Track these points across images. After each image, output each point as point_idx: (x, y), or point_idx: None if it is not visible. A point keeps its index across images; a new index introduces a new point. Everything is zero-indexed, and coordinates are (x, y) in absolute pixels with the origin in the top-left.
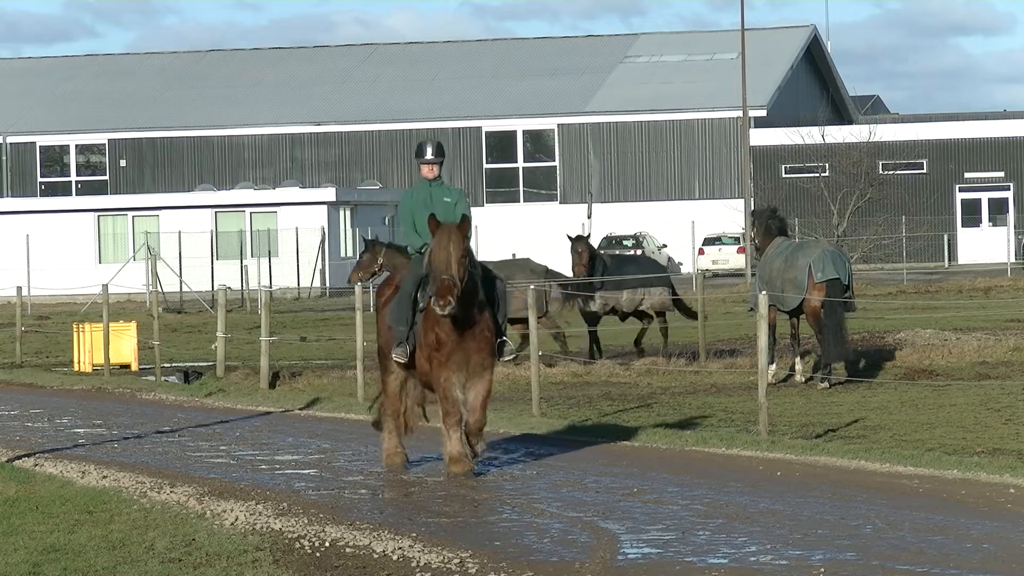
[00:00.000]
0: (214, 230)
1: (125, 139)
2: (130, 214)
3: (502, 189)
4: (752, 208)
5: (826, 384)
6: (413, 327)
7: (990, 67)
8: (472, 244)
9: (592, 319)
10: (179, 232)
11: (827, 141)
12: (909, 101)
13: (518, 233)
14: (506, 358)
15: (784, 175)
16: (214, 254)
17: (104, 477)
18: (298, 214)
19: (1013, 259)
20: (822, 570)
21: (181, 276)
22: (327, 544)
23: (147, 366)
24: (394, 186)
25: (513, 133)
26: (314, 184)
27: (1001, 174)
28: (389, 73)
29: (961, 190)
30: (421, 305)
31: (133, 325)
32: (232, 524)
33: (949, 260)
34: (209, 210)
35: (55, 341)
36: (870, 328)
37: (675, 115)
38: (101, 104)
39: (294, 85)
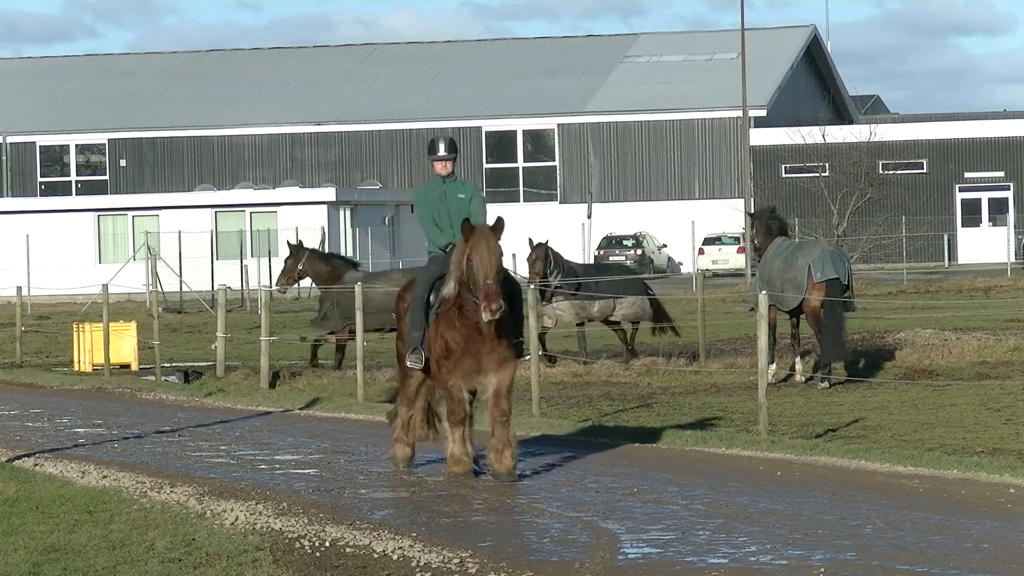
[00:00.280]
0: (214, 230)
1: (125, 139)
2: (130, 214)
3: (502, 189)
4: (752, 208)
5: (826, 384)
6: (427, 331)
7: (990, 67)
8: None
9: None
10: (179, 232)
11: (827, 141)
12: (909, 101)
13: (518, 233)
14: (523, 358)
15: (784, 175)
16: (214, 254)
17: (104, 477)
18: (298, 214)
19: (1013, 259)
20: (822, 570)
21: (181, 276)
22: (327, 544)
23: (147, 366)
24: (394, 186)
25: (513, 133)
26: (314, 184)
27: (1001, 174)
28: (389, 73)
29: (961, 190)
30: (436, 307)
31: (133, 325)
32: (232, 524)
33: (949, 260)
34: (209, 210)
35: (55, 341)
36: (870, 328)
37: (675, 115)
38: (101, 104)
39: (294, 85)
